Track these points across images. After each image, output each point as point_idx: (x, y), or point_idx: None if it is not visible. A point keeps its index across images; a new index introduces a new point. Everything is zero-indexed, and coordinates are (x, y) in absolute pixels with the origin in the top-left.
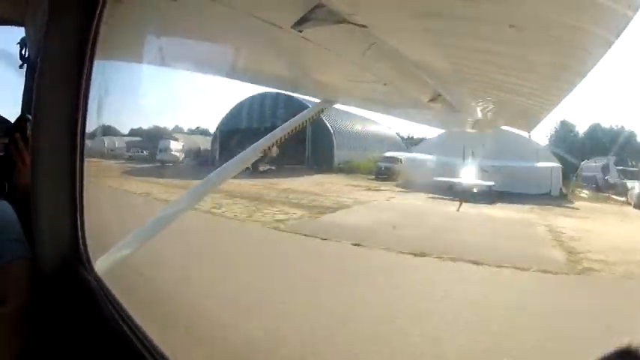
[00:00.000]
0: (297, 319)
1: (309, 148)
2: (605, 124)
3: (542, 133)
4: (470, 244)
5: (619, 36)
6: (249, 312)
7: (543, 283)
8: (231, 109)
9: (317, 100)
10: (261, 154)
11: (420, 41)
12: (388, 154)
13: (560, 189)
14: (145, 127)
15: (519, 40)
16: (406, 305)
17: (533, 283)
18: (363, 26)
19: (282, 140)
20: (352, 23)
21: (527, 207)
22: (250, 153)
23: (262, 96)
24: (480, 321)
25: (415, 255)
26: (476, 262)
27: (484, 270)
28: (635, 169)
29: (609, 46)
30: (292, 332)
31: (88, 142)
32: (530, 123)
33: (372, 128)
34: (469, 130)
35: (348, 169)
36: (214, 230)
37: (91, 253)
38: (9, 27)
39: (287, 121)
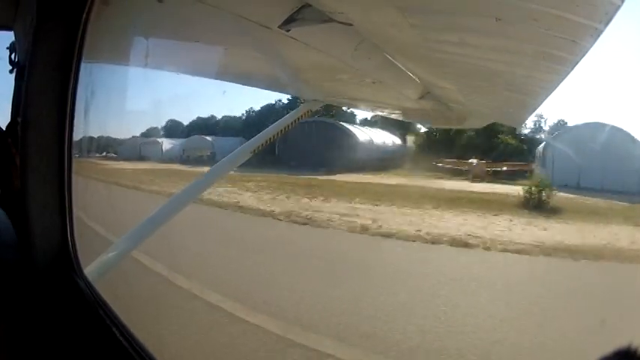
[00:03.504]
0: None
1: None
2: None
3: None
4: None
5: (608, 24)
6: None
7: None
8: None
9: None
10: (251, 154)
11: (406, 38)
12: None
13: None
14: None
15: (506, 34)
16: None
17: None
18: (350, 24)
19: (271, 141)
20: (339, 22)
21: None
22: (241, 153)
23: None
24: None
25: None
26: None
27: None
28: None
29: (598, 36)
30: None
31: None
32: (520, 117)
33: None
34: (459, 126)
35: None
36: None
37: (80, 257)
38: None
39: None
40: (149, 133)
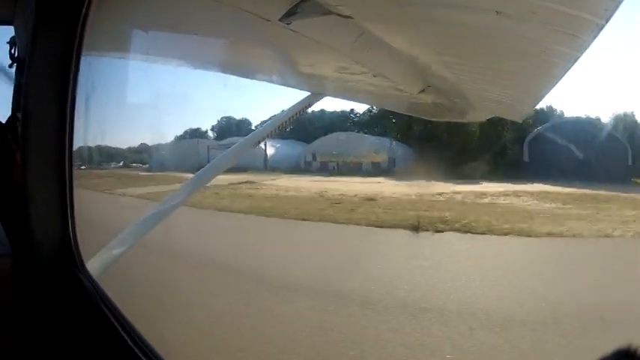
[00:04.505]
0: None
1: None
2: None
3: None
4: None
5: (608, 20)
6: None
7: None
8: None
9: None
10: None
11: (406, 31)
12: None
13: None
14: None
15: (506, 27)
16: None
17: None
18: (349, 17)
19: (272, 134)
20: (338, 15)
21: None
22: (241, 147)
23: None
24: None
25: None
26: None
27: None
28: None
29: (599, 30)
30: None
31: None
32: (521, 110)
33: None
34: (459, 119)
35: None
36: None
37: (82, 252)
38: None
39: None
40: (197, 135)
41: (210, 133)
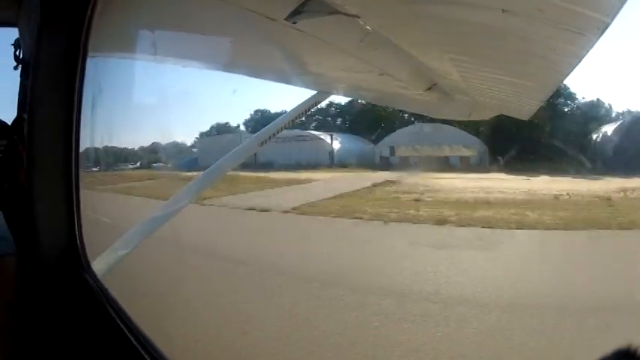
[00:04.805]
0: None
1: None
2: None
3: None
4: None
5: (614, 18)
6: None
7: None
8: None
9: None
10: (260, 146)
11: (412, 30)
12: None
13: None
14: None
15: (513, 26)
16: None
17: None
18: (355, 16)
19: (279, 132)
20: (345, 14)
21: None
22: (248, 146)
23: None
24: None
25: None
26: None
27: None
28: None
29: (605, 29)
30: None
31: None
32: (527, 109)
33: None
34: (465, 117)
35: None
36: None
37: (88, 253)
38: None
39: None
40: (224, 130)
41: (243, 127)
